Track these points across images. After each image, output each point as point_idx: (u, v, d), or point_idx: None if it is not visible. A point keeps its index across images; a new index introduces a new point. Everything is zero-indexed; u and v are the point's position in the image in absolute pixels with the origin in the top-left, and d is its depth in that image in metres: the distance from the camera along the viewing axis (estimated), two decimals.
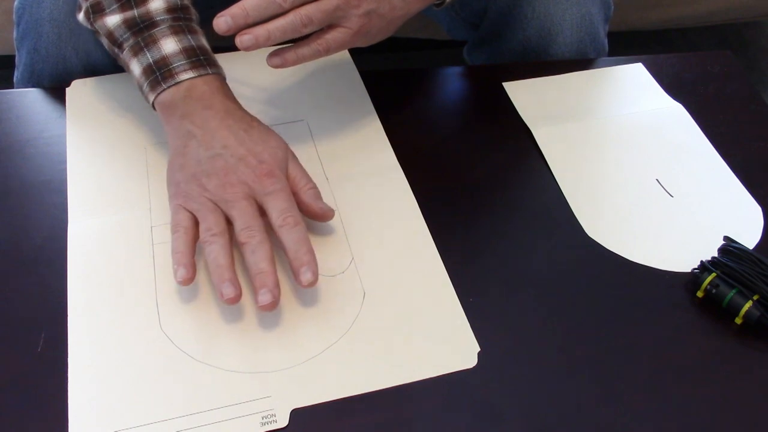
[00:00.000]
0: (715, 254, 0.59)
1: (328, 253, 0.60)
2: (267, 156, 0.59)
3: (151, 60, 0.61)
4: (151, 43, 0.61)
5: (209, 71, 0.62)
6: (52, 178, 0.65)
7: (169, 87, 0.61)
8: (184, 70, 0.61)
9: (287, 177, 0.60)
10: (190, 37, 0.62)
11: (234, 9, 0.58)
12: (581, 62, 0.80)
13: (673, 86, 0.77)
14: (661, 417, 0.52)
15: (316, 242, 0.60)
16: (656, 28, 1.51)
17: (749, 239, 0.63)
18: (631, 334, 0.56)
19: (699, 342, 0.56)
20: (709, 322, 0.57)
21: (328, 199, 0.64)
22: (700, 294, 0.58)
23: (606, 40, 0.85)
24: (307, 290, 0.57)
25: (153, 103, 0.62)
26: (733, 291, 0.56)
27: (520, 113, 0.73)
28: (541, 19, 0.80)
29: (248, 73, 0.75)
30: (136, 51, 0.62)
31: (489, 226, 0.63)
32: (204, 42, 0.64)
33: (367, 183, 0.65)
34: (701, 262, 0.59)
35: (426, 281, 0.58)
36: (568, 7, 0.80)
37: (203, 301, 0.56)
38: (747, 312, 0.56)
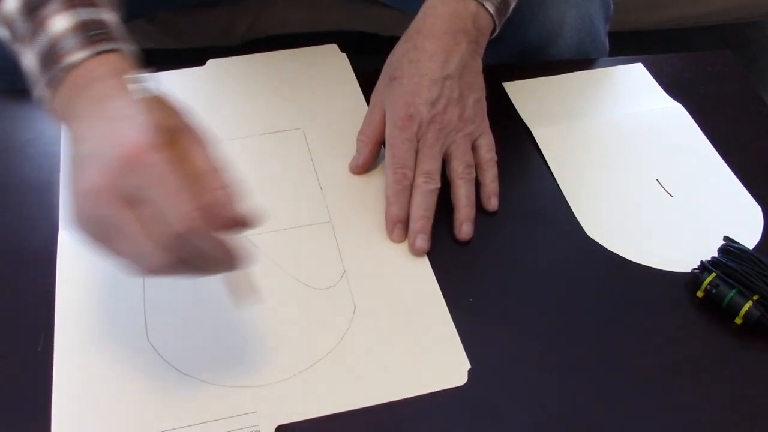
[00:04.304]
0: (715, 254, 0.59)
1: (320, 266, 0.59)
2: None
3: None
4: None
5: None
6: (53, 178, 0.65)
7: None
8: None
9: None
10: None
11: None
12: (581, 62, 0.80)
13: (673, 86, 0.76)
14: (661, 417, 0.52)
15: (308, 254, 0.60)
16: (656, 28, 1.50)
17: (749, 239, 0.62)
18: (630, 334, 0.56)
19: (699, 342, 0.56)
20: (709, 322, 0.57)
21: (321, 209, 0.63)
22: (700, 294, 0.58)
23: (607, 40, 0.85)
24: (296, 304, 0.57)
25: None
26: (733, 291, 0.56)
27: (520, 113, 0.73)
28: (540, 21, 0.79)
29: (243, 80, 0.74)
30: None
31: (489, 225, 0.63)
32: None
33: (361, 194, 0.65)
34: (701, 262, 0.59)
35: (418, 297, 0.58)
36: (568, 9, 0.79)
37: (191, 313, 0.56)
38: (747, 312, 0.56)
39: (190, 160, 0.45)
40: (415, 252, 0.60)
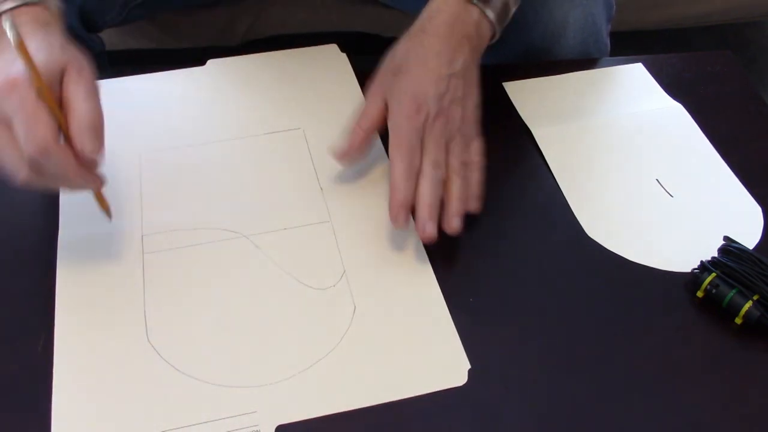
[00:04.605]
0: (715, 254, 0.59)
1: (320, 266, 0.59)
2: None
3: None
4: None
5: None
6: None
7: None
8: None
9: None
10: None
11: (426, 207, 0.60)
12: (581, 62, 0.80)
13: (673, 86, 0.76)
14: (661, 417, 0.52)
15: (308, 254, 0.60)
16: (656, 28, 1.51)
17: (749, 239, 0.62)
18: (630, 334, 0.56)
19: (699, 342, 0.56)
20: (709, 322, 0.57)
21: (321, 209, 0.63)
22: (700, 294, 0.58)
23: (608, 41, 0.85)
24: (296, 304, 0.57)
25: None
26: (733, 291, 0.56)
27: (520, 113, 0.73)
28: (544, 22, 0.79)
29: (243, 80, 0.74)
30: None
31: (489, 225, 0.63)
32: None
33: (361, 194, 0.65)
34: (701, 262, 0.59)
35: (418, 297, 0.58)
36: (572, 9, 0.79)
37: (191, 314, 0.56)
38: (747, 312, 0.56)
39: (66, 96, 0.53)
40: (426, 239, 0.59)
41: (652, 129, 0.72)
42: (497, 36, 0.68)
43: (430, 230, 0.59)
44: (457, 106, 0.63)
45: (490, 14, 0.65)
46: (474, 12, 0.65)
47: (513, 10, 0.68)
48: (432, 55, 0.63)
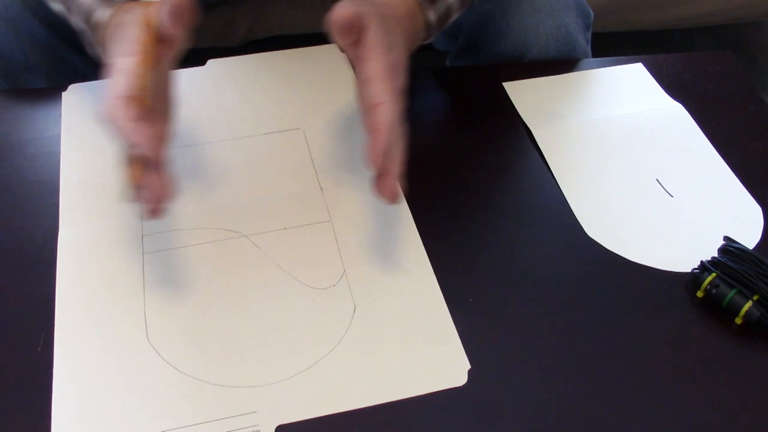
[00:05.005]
0: (715, 254, 0.59)
1: (320, 266, 0.59)
2: None
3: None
4: None
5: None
6: (53, 177, 0.65)
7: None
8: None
9: None
10: None
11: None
12: (581, 62, 0.80)
13: (673, 86, 0.77)
14: (661, 417, 0.52)
15: (308, 254, 0.60)
16: (656, 28, 1.51)
17: (749, 239, 0.63)
18: (631, 334, 0.56)
19: (699, 342, 0.56)
20: (709, 322, 0.57)
21: (321, 209, 0.63)
22: (700, 294, 0.58)
23: (588, 48, 0.85)
24: (296, 304, 0.57)
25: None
26: (733, 291, 0.56)
27: (520, 113, 0.73)
28: (515, 32, 0.80)
29: (243, 80, 0.74)
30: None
31: (489, 225, 0.63)
32: None
33: (362, 194, 0.65)
34: (701, 262, 0.59)
35: (418, 297, 0.58)
36: (542, 19, 0.79)
37: (191, 314, 0.56)
38: (747, 312, 0.56)
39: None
40: (394, 199, 0.55)
41: (652, 129, 0.72)
42: (431, 39, 0.67)
43: (398, 190, 0.55)
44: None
45: (432, 17, 0.65)
46: (421, 14, 0.65)
47: (455, 17, 0.68)
48: (400, 31, 0.60)
